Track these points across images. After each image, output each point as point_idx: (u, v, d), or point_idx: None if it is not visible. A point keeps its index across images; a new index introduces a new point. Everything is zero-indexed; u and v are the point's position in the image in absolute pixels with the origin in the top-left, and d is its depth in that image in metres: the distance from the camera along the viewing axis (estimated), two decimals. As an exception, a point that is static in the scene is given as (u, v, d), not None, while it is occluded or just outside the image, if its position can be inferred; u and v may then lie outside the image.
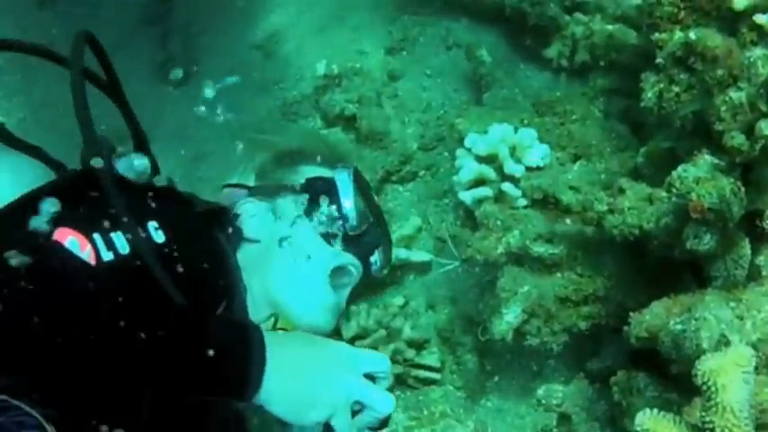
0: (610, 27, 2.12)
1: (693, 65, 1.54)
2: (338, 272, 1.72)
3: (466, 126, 1.97)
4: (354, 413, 1.30)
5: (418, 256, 2.12)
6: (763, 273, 1.56)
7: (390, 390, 1.34)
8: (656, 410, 1.06)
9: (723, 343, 1.32)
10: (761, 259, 1.57)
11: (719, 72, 1.52)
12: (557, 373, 2.01)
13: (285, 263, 1.66)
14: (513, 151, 1.87)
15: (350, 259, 1.72)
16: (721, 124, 1.51)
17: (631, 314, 1.55)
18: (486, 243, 1.78)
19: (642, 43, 1.89)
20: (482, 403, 2.05)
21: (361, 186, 1.82)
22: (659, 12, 1.65)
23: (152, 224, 1.35)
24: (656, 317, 1.51)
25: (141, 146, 1.57)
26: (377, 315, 2.02)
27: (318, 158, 1.93)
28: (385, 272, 1.88)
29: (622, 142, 1.88)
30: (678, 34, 1.64)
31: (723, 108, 1.50)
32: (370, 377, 1.32)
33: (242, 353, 1.20)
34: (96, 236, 1.26)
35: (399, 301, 2.09)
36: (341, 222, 1.73)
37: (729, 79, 1.52)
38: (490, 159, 1.89)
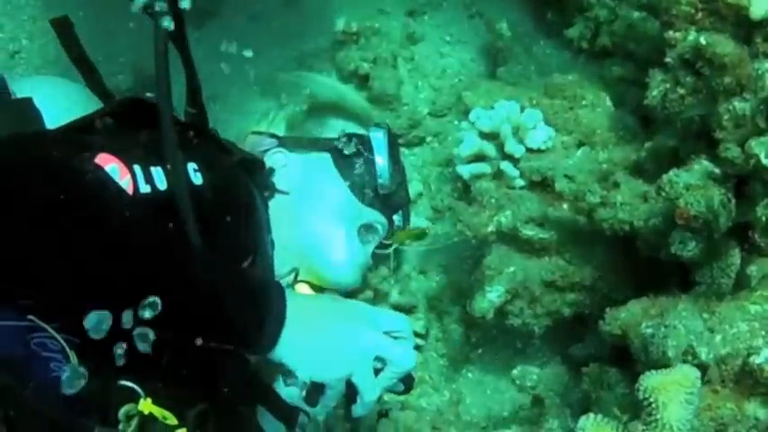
0: (635, 14, 2.09)
1: (701, 69, 1.52)
2: (365, 228, 1.76)
3: (473, 100, 1.97)
4: (376, 372, 1.31)
5: (415, 222, 2.13)
6: (753, 283, 1.57)
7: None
8: (600, 416, 1.08)
9: (690, 354, 1.34)
10: (752, 269, 1.57)
11: (727, 79, 1.49)
12: (540, 353, 2.04)
13: (315, 217, 1.69)
14: (516, 131, 1.86)
15: (378, 216, 1.78)
16: (722, 132, 1.50)
17: (608, 309, 1.57)
18: (476, 220, 1.80)
19: (662, 37, 1.86)
20: (463, 373, 2.09)
21: (393, 147, 1.85)
22: (676, 10, 1.62)
23: (192, 165, 1.36)
24: (632, 315, 1.52)
25: (195, 98, 1.59)
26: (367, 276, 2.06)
27: (349, 114, 1.96)
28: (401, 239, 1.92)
29: (628, 134, 1.86)
30: (691, 34, 1.62)
31: (726, 116, 1.49)
32: (391, 336, 1.35)
33: (260, 302, 1.23)
34: (137, 167, 1.27)
35: (392, 263, 2.12)
36: (372, 180, 1.76)
37: (736, 88, 1.50)
38: (492, 136, 1.89)
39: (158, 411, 1.24)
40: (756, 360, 1.31)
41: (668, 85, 1.57)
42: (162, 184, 1.29)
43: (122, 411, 1.22)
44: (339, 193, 1.77)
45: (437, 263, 2.15)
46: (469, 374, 2.09)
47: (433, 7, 2.34)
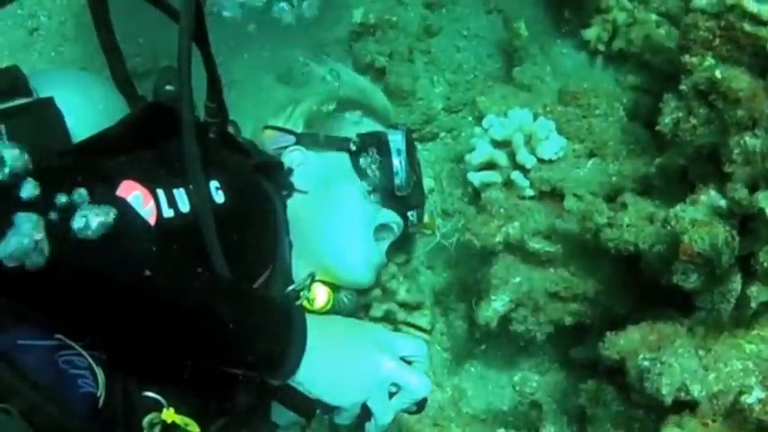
0: (653, 17, 2.08)
1: (714, 101, 1.53)
2: (381, 228, 1.79)
3: (487, 105, 1.98)
4: (391, 395, 1.37)
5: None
6: (752, 304, 1.60)
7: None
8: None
9: (683, 390, 1.38)
10: (752, 290, 1.60)
11: (740, 112, 1.51)
12: (541, 351, 2.09)
13: (332, 217, 1.72)
14: (528, 139, 1.88)
15: (393, 217, 1.80)
16: (731, 166, 1.51)
17: (607, 333, 1.61)
18: (485, 230, 1.83)
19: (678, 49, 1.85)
20: (466, 368, 2.15)
21: (410, 148, 1.86)
22: (693, 35, 1.62)
23: (214, 183, 1.39)
24: (630, 342, 1.56)
25: (214, 93, 1.60)
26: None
27: (367, 111, 1.96)
28: (417, 228, 1.95)
29: (639, 147, 1.88)
30: (708, 61, 1.62)
31: (736, 150, 1.50)
32: (407, 361, 1.40)
33: (283, 333, 1.27)
34: (160, 191, 1.31)
35: (401, 258, 2.16)
36: (389, 180, 1.78)
37: (749, 121, 1.51)
38: (505, 144, 1.91)
39: (180, 419, 1.30)
40: (747, 399, 1.35)
41: (681, 114, 1.58)
42: (185, 206, 1.32)
43: (146, 420, 1.29)
44: (356, 194, 1.78)
45: (445, 259, 2.19)
46: (472, 369, 2.15)
47: (452, 0, 2.33)
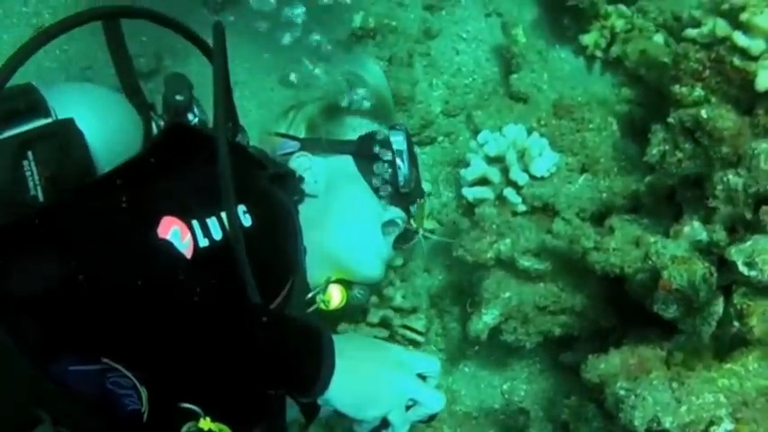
0: (651, 26, 2.09)
1: (700, 138, 1.56)
2: (387, 223, 1.86)
3: (482, 120, 2.01)
4: (407, 407, 1.47)
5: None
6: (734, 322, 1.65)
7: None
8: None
9: (654, 422, 1.45)
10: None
11: (724, 149, 1.54)
12: (532, 353, 2.16)
13: (342, 218, 1.79)
14: (521, 155, 1.92)
15: (398, 213, 1.87)
16: (714, 201, 1.55)
17: (590, 356, 1.67)
18: (477, 246, 1.88)
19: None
20: (460, 368, 2.23)
21: (410, 145, 1.91)
22: (684, 65, 1.65)
23: (242, 208, 1.45)
24: (611, 367, 1.62)
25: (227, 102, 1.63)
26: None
27: (365, 112, 2.00)
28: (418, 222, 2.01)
29: (630, 164, 1.91)
30: (697, 92, 1.65)
31: (719, 186, 1.54)
32: (422, 376, 1.49)
33: (315, 356, 1.35)
34: (195, 223, 1.38)
35: (398, 261, 2.22)
36: (392, 179, 1.84)
37: (733, 157, 1.55)
38: (499, 160, 1.94)
39: (216, 427, 1.39)
40: (717, 431, 1.42)
41: (667, 147, 1.61)
42: (217, 234, 1.40)
43: (183, 429, 1.37)
44: (363, 194, 1.85)
45: (441, 262, 2.25)
46: (465, 369, 2.22)
47: (452, 3, 2.33)
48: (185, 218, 1.37)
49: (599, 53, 2.19)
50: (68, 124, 1.45)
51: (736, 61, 1.57)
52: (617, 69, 2.17)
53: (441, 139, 2.30)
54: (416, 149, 2.28)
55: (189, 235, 1.36)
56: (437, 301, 2.24)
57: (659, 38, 2.09)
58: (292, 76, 2.22)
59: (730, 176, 1.52)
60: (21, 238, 1.27)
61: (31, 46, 1.47)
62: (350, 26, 2.30)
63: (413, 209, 1.95)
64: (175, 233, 1.35)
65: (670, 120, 1.61)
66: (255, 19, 2.27)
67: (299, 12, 2.12)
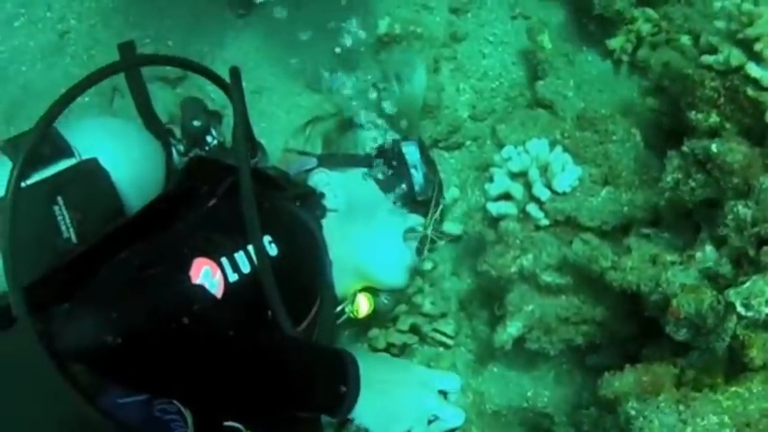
0: (676, 32, 2.08)
1: (711, 170, 1.58)
2: (408, 231, 1.93)
3: (506, 134, 2.04)
4: (429, 422, 1.57)
5: (451, 228, 2.27)
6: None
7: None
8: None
9: (660, 444, 1.52)
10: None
11: (735, 180, 1.56)
12: (559, 354, 2.22)
13: (364, 229, 1.88)
14: (544, 170, 1.95)
15: (419, 220, 1.95)
16: (725, 230, 1.58)
17: (606, 374, 1.73)
18: (501, 261, 1.94)
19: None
20: (489, 368, 2.30)
21: (425, 154, 1.97)
22: (700, 92, 1.65)
23: (267, 238, 1.54)
24: (625, 385, 1.68)
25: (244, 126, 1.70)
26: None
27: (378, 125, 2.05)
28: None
29: (652, 177, 1.93)
30: (713, 118, 1.66)
31: (730, 216, 1.56)
32: (443, 392, 1.59)
33: (342, 380, 1.45)
34: (224, 260, 1.47)
35: (428, 266, 2.28)
36: (409, 188, 1.91)
37: (744, 188, 1.56)
38: (522, 175, 1.98)
39: None
40: (720, 449, 1.48)
41: (680, 176, 1.64)
42: (245, 267, 1.48)
43: None
44: (383, 205, 1.92)
45: (469, 266, 2.31)
46: (494, 369, 2.30)
47: (477, 5, 2.34)
48: (214, 257, 1.45)
49: (625, 57, 2.19)
50: (93, 164, 1.54)
51: (750, 91, 1.57)
52: (644, 73, 2.17)
53: (468, 143, 2.34)
54: (444, 154, 2.34)
55: (219, 272, 1.45)
56: (466, 304, 2.30)
57: (686, 39, 2.08)
58: (323, 79, 2.27)
59: (740, 207, 1.54)
60: (61, 291, 1.38)
61: (72, 92, 1.52)
62: (375, 32, 2.33)
63: (434, 214, 2.01)
64: (206, 273, 1.43)
65: (684, 148, 1.63)
66: (281, 23, 2.31)
67: (324, 17, 2.16)
